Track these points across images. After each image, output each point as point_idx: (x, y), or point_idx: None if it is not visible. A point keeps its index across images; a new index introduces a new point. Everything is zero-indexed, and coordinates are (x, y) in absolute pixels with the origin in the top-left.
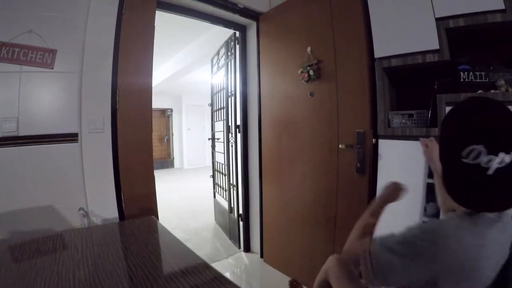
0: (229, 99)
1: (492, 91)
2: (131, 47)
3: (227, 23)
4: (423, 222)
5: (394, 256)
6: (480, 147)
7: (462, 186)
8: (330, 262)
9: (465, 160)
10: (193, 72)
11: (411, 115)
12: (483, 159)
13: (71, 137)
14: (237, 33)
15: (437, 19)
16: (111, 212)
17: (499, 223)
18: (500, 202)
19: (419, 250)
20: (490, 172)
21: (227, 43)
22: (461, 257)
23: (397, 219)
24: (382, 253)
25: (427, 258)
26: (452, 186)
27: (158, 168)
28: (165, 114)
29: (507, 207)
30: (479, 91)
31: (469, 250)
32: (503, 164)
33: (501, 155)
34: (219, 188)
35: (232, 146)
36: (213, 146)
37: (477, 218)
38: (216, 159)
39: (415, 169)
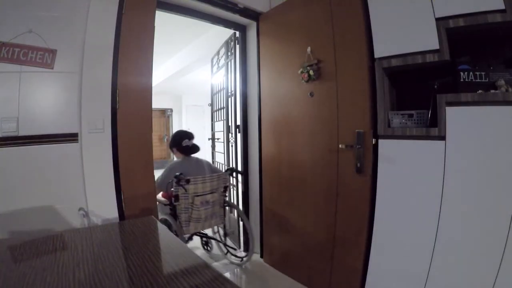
0: (229, 99)
1: (492, 91)
2: (131, 47)
3: (227, 23)
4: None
5: (160, 177)
6: (186, 140)
7: (180, 150)
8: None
9: (183, 144)
10: (193, 72)
11: (411, 115)
12: (186, 143)
13: (71, 137)
14: (237, 33)
15: (437, 19)
16: (111, 212)
17: (194, 158)
18: (188, 153)
19: (168, 172)
20: (188, 144)
21: (227, 43)
22: (182, 168)
23: (400, 216)
24: (159, 179)
25: (170, 173)
26: (177, 151)
27: (158, 168)
28: (165, 114)
29: (191, 154)
30: (479, 91)
31: (183, 167)
32: (189, 144)
33: (186, 141)
34: None
35: (232, 146)
36: (213, 146)
37: (185, 158)
38: (216, 159)
39: (415, 169)
